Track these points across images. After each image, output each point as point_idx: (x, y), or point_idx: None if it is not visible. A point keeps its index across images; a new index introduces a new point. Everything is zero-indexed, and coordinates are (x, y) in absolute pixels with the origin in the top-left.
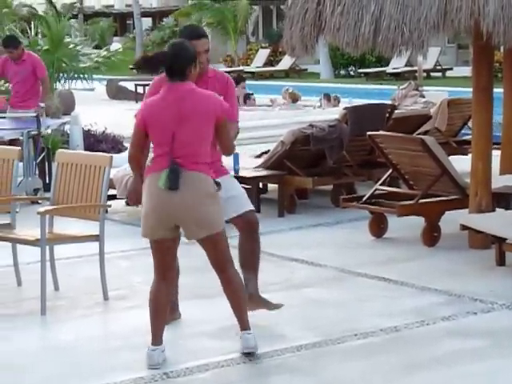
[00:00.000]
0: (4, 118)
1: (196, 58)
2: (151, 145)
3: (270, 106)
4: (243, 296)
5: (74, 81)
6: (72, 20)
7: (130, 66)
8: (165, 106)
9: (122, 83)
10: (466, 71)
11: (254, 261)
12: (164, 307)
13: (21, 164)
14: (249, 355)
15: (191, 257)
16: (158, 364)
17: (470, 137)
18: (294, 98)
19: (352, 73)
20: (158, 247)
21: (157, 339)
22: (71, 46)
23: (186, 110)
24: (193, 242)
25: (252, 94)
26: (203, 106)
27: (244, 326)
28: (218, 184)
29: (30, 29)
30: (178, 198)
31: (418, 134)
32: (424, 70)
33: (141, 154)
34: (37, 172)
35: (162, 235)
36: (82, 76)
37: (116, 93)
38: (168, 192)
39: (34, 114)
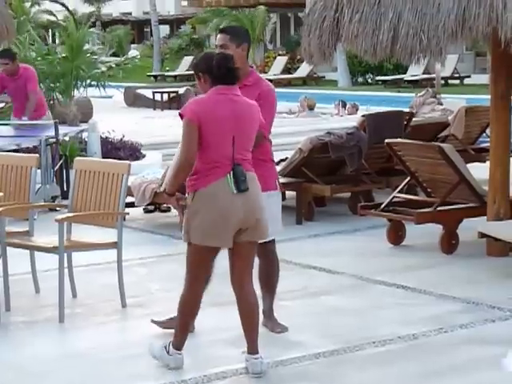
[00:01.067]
0: (23, 125)
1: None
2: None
3: (293, 113)
4: (257, 318)
5: (92, 88)
6: (91, 28)
7: (148, 74)
8: (221, 106)
9: (139, 91)
10: (484, 79)
11: (270, 279)
12: (196, 312)
13: (39, 171)
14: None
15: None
16: (182, 367)
17: (488, 144)
18: (311, 105)
19: (370, 80)
20: (211, 255)
21: (183, 345)
22: (90, 53)
23: (241, 112)
24: None
25: None
26: (252, 110)
27: (253, 349)
28: None
29: (48, 36)
30: (248, 200)
31: (437, 142)
32: (442, 78)
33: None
34: (55, 179)
35: (227, 244)
36: (99, 83)
37: (134, 100)
38: (239, 195)
39: (52, 122)
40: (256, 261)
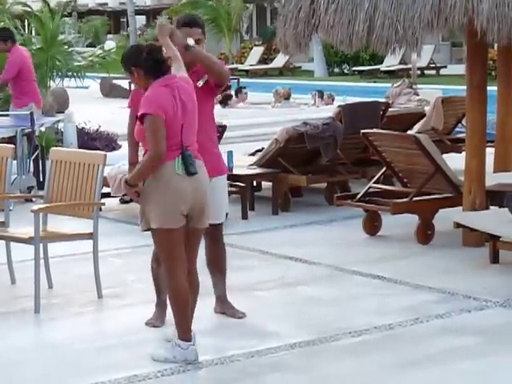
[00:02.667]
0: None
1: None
2: None
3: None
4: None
5: (68, 79)
6: (66, 18)
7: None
8: (170, 98)
9: (115, 81)
10: (460, 69)
11: (221, 264)
12: (189, 297)
13: (14, 162)
14: None
15: None
16: (197, 359)
17: (464, 135)
18: (287, 95)
19: (346, 71)
20: (177, 236)
21: (191, 334)
22: (65, 44)
23: (185, 98)
24: None
25: (244, 88)
26: (191, 92)
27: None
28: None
29: (24, 27)
30: (196, 184)
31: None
32: (418, 68)
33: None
34: (31, 170)
35: (182, 223)
36: (75, 74)
37: (110, 91)
38: (188, 179)
39: (28, 112)
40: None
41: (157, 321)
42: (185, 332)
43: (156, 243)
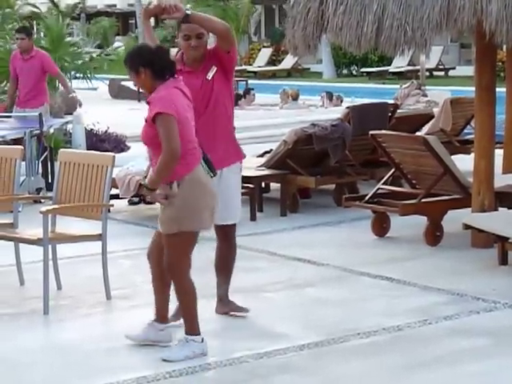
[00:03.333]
0: (10, 117)
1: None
2: None
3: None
4: None
5: (77, 80)
6: (74, 20)
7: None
8: (182, 98)
9: (124, 83)
10: (469, 70)
11: (229, 265)
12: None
13: (23, 163)
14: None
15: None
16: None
17: (473, 136)
18: (295, 96)
19: (354, 72)
20: (195, 240)
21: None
22: (73, 45)
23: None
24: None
25: (252, 89)
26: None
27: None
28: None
29: (33, 28)
30: (215, 184)
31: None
32: (426, 69)
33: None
34: (39, 171)
35: (209, 225)
36: (85, 75)
37: (118, 92)
38: (211, 180)
39: (37, 114)
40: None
41: (171, 317)
42: (196, 327)
43: (175, 244)
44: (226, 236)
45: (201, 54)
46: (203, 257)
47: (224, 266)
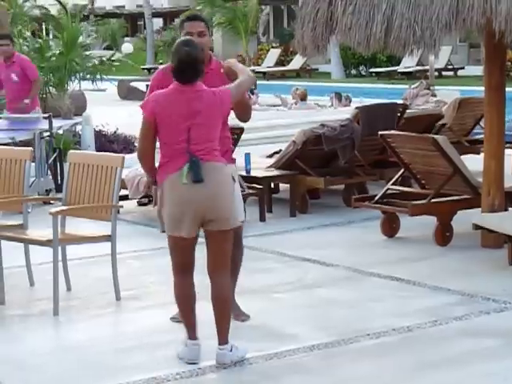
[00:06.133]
0: (17, 118)
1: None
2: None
3: (280, 105)
4: (228, 310)
5: (86, 81)
6: (84, 21)
7: (142, 67)
8: (176, 102)
9: (133, 84)
10: (478, 70)
11: (236, 266)
12: (192, 299)
13: (33, 165)
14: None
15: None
16: (196, 359)
17: (482, 136)
18: (303, 97)
19: (363, 72)
20: (181, 243)
21: (195, 334)
22: (83, 47)
23: (196, 107)
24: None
25: (255, 89)
26: (211, 101)
27: (221, 340)
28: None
29: (42, 30)
30: (204, 190)
31: (431, 132)
32: (435, 69)
33: (153, 146)
34: (49, 173)
35: (187, 233)
36: (93, 77)
37: (127, 93)
38: (194, 186)
39: (46, 115)
40: None
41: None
42: (188, 332)
43: (168, 243)
44: (235, 236)
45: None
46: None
47: (231, 266)
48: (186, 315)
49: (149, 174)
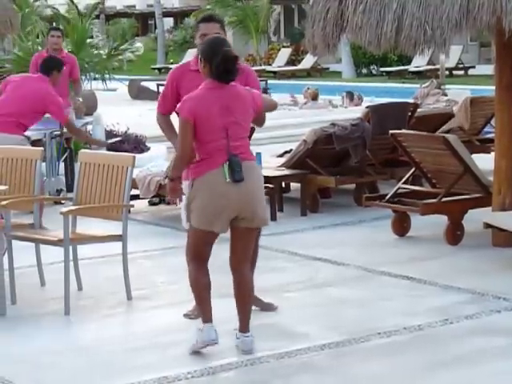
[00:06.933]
0: None
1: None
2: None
3: (291, 104)
4: (251, 302)
5: (96, 81)
6: (94, 21)
7: (152, 67)
8: (213, 101)
9: (143, 83)
10: (489, 69)
11: (252, 265)
12: (208, 284)
13: (44, 164)
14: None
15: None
16: (216, 339)
17: (493, 135)
18: (315, 96)
19: (374, 71)
20: (208, 237)
21: (210, 316)
22: (93, 46)
23: (232, 103)
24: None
25: (269, 89)
26: (243, 99)
27: (244, 328)
28: None
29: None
30: (244, 189)
31: (441, 133)
32: (446, 69)
33: (192, 145)
34: (60, 172)
35: (219, 229)
36: (102, 76)
37: (138, 93)
38: (233, 185)
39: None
40: None
41: (193, 313)
42: (204, 315)
43: (189, 234)
44: None
45: None
46: (225, 256)
47: None
48: (203, 298)
49: (179, 171)
